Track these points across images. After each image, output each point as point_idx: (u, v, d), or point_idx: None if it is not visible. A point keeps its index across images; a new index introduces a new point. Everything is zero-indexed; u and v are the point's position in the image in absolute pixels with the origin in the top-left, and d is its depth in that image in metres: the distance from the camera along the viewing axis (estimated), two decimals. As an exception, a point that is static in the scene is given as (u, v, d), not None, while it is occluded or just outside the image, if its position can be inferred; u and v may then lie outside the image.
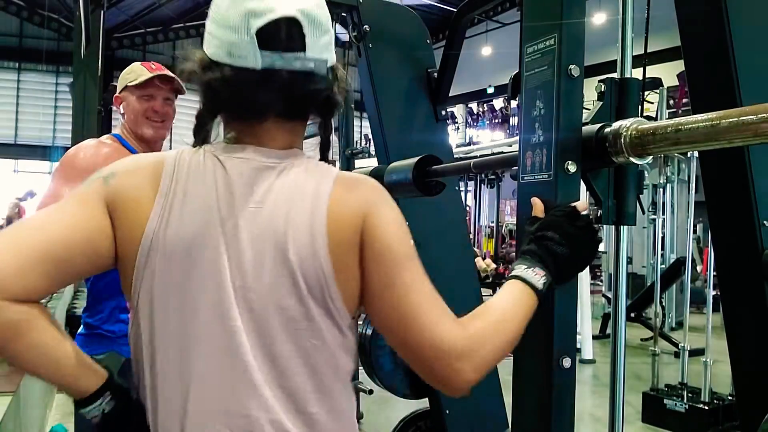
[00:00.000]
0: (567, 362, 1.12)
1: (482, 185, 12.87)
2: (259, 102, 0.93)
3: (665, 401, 4.49)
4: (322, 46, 0.95)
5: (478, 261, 10.01)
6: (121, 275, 0.93)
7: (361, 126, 19.23)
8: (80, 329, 1.91)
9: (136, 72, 1.98)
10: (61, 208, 0.92)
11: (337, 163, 3.40)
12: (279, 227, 0.89)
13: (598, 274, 11.64)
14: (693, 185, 5.34)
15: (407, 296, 0.92)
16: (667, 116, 6.85)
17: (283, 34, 0.89)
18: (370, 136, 2.96)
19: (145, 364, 0.96)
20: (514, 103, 15.94)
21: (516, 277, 0.99)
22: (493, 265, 11.27)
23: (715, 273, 1.97)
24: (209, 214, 0.90)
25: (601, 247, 10.33)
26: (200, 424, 0.90)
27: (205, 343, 0.89)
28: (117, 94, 2.00)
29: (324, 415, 0.93)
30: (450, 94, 2.90)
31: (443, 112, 2.89)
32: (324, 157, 1.08)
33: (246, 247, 0.89)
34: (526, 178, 1.19)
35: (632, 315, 7.34)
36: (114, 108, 2.02)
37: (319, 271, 0.88)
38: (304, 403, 0.92)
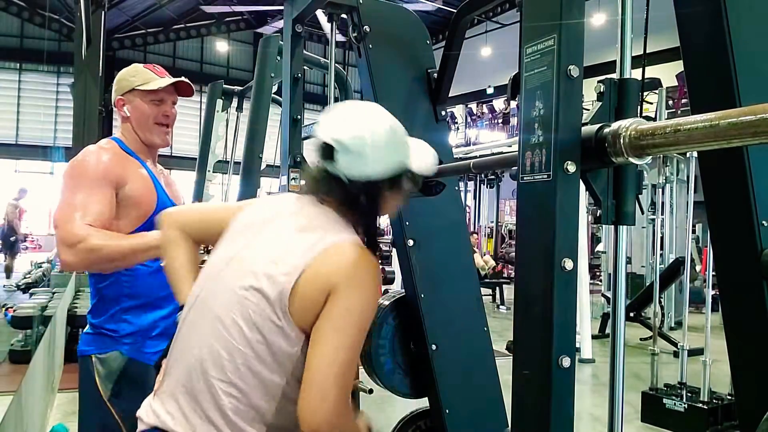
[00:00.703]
0: (566, 362, 1.12)
1: (482, 185, 12.87)
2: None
3: (664, 401, 4.49)
4: (349, 162, 1.29)
5: (477, 258, 10.02)
6: None
7: (361, 126, 19.19)
8: (86, 328, 1.93)
9: (143, 75, 1.93)
10: (218, 205, 1.80)
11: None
12: None
13: (598, 273, 11.65)
14: (692, 185, 5.34)
15: (314, 358, 1.16)
16: (666, 116, 6.86)
17: (323, 151, 1.31)
18: (370, 137, 2.96)
19: None
20: (513, 104, 15.94)
21: None
22: (492, 262, 11.29)
23: (714, 273, 1.97)
24: None
25: (600, 247, 10.34)
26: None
27: None
28: (120, 95, 1.93)
29: None
30: (450, 95, 2.90)
31: (443, 113, 2.89)
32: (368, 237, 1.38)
33: None
34: (525, 178, 1.19)
35: (631, 315, 7.34)
36: (119, 110, 1.96)
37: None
38: None
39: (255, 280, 1.22)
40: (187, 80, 1.96)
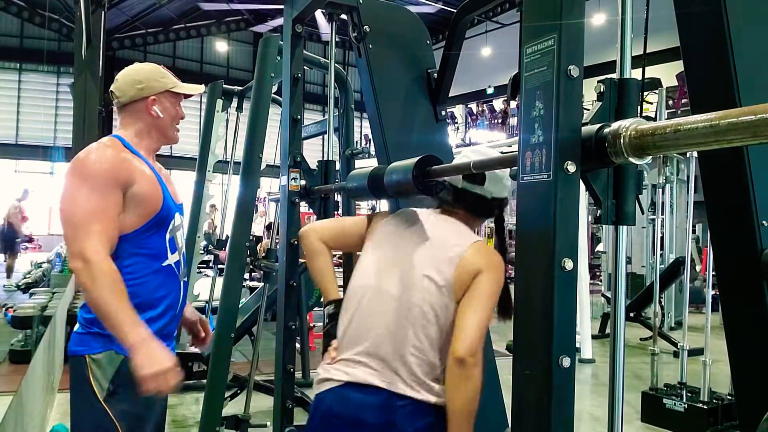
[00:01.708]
0: (566, 362, 1.12)
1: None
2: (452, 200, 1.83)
3: (664, 401, 4.49)
4: (493, 186, 1.79)
5: None
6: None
7: (361, 126, 19.25)
8: (76, 327, 1.88)
9: (170, 78, 2.00)
10: (348, 220, 2.03)
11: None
12: None
13: (598, 273, 11.65)
14: (692, 185, 5.34)
15: (467, 318, 1.60)
16: (666, 116, 6.86)
17: (477, 177, 1.75)
18: (370, 136, 2.97)
19: None
20: (513, 104, 15.93)
21: None
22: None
23: (714, 273, 1.97)
24: None
25: (600, 247, 10.34)
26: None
27: None
28: (152, 95, 1.94)
29: None
30: (450, 95, 2.90)
31: (443, 113, 2.89)
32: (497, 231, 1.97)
33: None
34: (525, 178, 1.19)
35: (631, 315, 7.34)
36: (143, 109, 1.95)
37: None
38: None
39: (427, 272, 1.66)
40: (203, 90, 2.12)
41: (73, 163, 1.83)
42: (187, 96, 2.06)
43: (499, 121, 18.96)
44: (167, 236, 1.91)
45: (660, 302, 6.20)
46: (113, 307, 1.67)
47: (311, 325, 6.02)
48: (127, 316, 1.68)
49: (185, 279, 2.03)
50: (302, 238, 1.90)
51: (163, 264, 1.90)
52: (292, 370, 2.92)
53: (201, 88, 2.08)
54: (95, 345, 1.79)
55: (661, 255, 8.21)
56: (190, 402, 4.72)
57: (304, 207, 3.25)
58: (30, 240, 16.10)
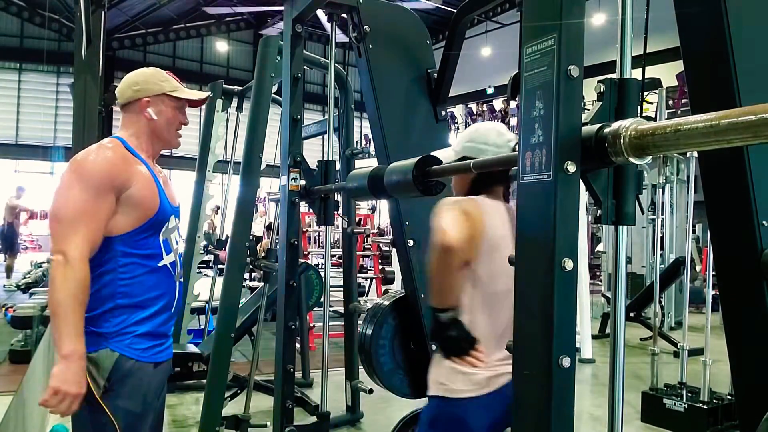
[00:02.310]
0: (566, 362, 1.12)
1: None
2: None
3: (664, 401, 4.49)
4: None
5: None
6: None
7: (361, 126, 19.25)
8: None
9: (171, 82, 1.98)
10: (464, 221, 1.82)
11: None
12: None
13: (598, 274, 11.64)
14: (692, 185, 5.34)
15: None
16: (666, 116, 6.86)
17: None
18: (370, 136, 2.97)
19: None
20: (513, 104, 15.94)
21: None
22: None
23: (714, 273, 1.97)
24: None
25: (601, 247, 10.31)
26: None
27: None
28: (147, 97, 1.94)
29: None
30: (450, 95, 2.90)
31: (443, 113, 2.89)
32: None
33: None
34: (525, 178, 1.19)
35: (631, 315, 7.34)
36: (138, 110, 1.95)
37: None
38: None
39: None
40: (203, 97, 2.08)
41: (71, 163, 1.84)
42: (193, 104, 2.05)
43: (500, 121, 18.94)
44: (161, 238, 1.91)
45: (660, 302, 6.20)
46: (66, 313, 1.68)
47: (311, 325, 6.02)
48: (73, 327, 1.68)
49: (181, 280, 2.05)
50: (449, 250, 1.74)
51: (159, 264, 1.90)
52: (292, 370, 2.93)
53: (203, 94, 2.07)
54: (90, 343, 1.78)
55: (661, 255, 8.20)
56: (190, 402, 4.72)
57: (304, 207, 3.25)
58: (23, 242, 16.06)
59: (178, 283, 1.99)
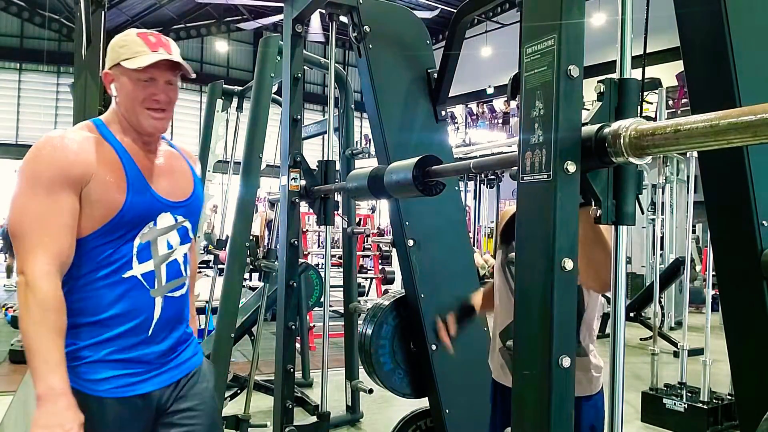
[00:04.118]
0: (566, 362, 1.12)
1: (482, 185, 12.87)
2: None
3: (664, 400, 4.49)
4: None
5: (476, 257, 10.02)
6: None
7: (361, 126, 19.24)
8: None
9: (131, 47, 1.55)
10: None
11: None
12: None
13: (598, 274, 11.62)
14: (692, 185, 5.34)
15: None
16: (666, 116, 6.86)
17: None
18: (370, 136, 2.97)
19: None
20: (513, 104, 15.93)
21: None
22: (492, 261, 11.27)
23: (714, 273, 1.97)
24: None
25: (601, 247, 10.26)
26: None
27: None
28: (108, 69, 1.58)
29: None
30: (450, 95, 2.90)
31: (443, 113, 2.89)
32: None
33: None
34: (525, 178, 1.19)
35: (631, 315, 7.34)
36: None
37: None
38: None
39: None
40: (175, 57, 1.58)
41: (24, 157, 1.53)
42: (184, 78, 1.64)
43: (500, 121, 18.94)
44: (137, 242, 1.54)
45: (660, 302, 6.20)
46: (36, 344, 1.40)
47: (311, 325, 6.02)
48: (43, 361, 1.39)
49: (173, 294, 1.63)
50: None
51: (124, 276, 1.53)
52: (292, 370, 2.92)
53: (151, 57, 1.54)
54: None
55: (661, 255, 8.21)
56: (190, 402, 4.71)
57: (303, 207, 3.25)
58: None
59: (162, 299, 1.59)
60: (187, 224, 1.68)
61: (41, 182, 1.45)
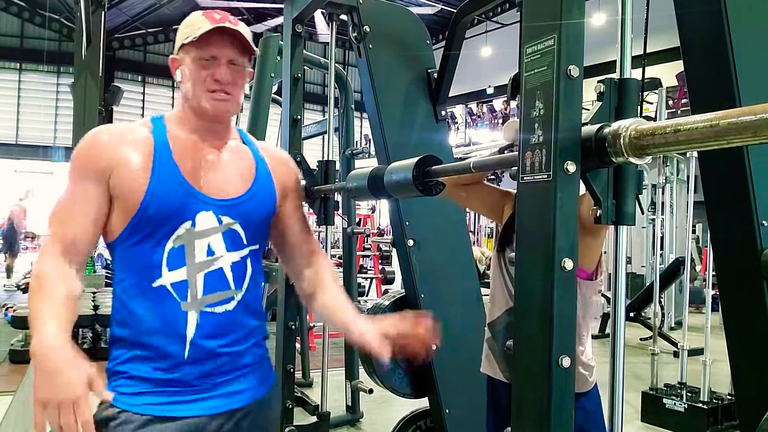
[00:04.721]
0: (566, 362, 1.12)
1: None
2: None
3: (664, 400, 4.49)
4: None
5: (474, 250, 10.02)
6: None
7: (361, 126, 19.24)
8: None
9: (194, 25, 1.41)
10: None
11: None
12: None
13: (598, 274, 11.63)
14: (692, 185, 5.34)
15: None
16: (666, 116, 6.86)
17: None
18: (370, 136, 2.97)
19: None
20: (513, 104, 15.94)
21: None
22: (488, 253, 11.28)
23: (714, 273, 1.97)
24: None
25: (601, 247, 10.16)
26: None
27: None
28: (174, 54, 1.46)
29: None
30: (450, 95, 2.90)
31: (443, 113, 2.89)
32: None
33: None
34: (525, 178, 1.19)
35: (631, 314, 7.35)
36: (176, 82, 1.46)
37: None
38: None
39: None
40: (235, 24, 1.43)
41: None
42: (214, 44, 1.40)
43: (500, 121, 18.94)
44: (169, 245, 1.35)
45: (660, 302, 6.20)
46: (32, 311, 1.29)
47: (311, 325, 6.02)
48: (38, 318, 1.26)
49: (214, 309, 1.37)
50: None
51: (153, 285, 1.34)
52: (292, 370, 2.93)
53: (213, 25, 1.39)
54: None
55: (661, 255, 8.21)
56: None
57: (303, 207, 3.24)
58: (33, 238, 16.11)
59: (197, 314, 1.35)
60: (238, 228, 1.42)
61: (71, 174, 1.39)
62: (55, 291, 1.29)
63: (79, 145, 1.41)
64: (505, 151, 1.96)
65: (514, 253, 1.81)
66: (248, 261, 1.45)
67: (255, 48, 1.47)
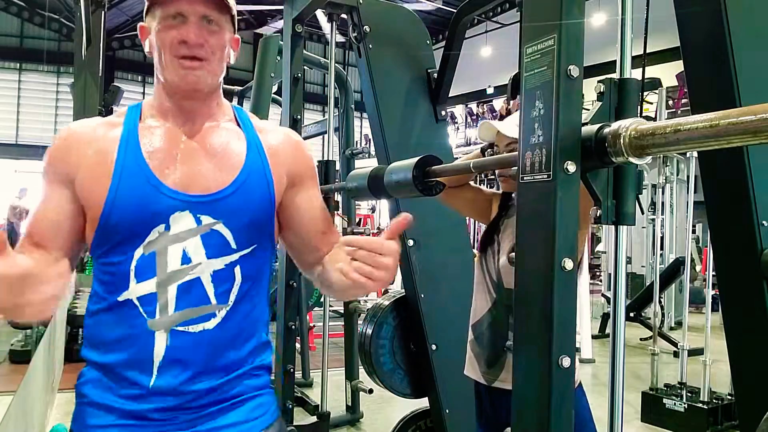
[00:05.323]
0: (566, 362, 1.12)
1: (482, 185, 12.93)
2: None
3: (664, 401, 4.49)
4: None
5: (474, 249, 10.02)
6: None
7: (361, 126, 19.24)
8: None
9: None
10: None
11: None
12: None
13: (598, 274, 11.64)
14: (692, 185, 5.34)
15: None
16: (666, 116, 6.86)
17: None
18: (370, 136, 2.97)
19: None
20: (514, 104, 15.91)
21: None
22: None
23: (714, 273, 1.97)
24: None
25: (601, 247, 10.35)
26: None
27: None
28: (142, 23, 1.22)
29: None
30: (450, 95, 2.90)
31: (443, 113, 2.89)
32: None
33: None
34: (525, 178, 1.19)
35: (631, 315, 7.35)
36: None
37: None
38: None
39: None
40: None
41: None
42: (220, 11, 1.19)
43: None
44: (138, 252, 1.14)
45: (660, 302, 6.20)
46: None
47: (311, 325, 6.02)
48: None
49: (189, 328, 1.14)
50: None
51: (119, 299, 1.13)
52: (292, 370, 2.93)
53: None
54: None
55: (661, 255, 8.21)
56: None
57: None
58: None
59: (167, 335, 1.13)
60: (222, 229, 1.17)
61: (43, 176, 1.21)
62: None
63: (52, 143, 1.23)
64: (487, 151, 1.96)
65: (501, 254, 1.83)
66: (237, 269, 1.18)
67: (232, 5, 1.24)
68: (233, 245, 1.18)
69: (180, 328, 1.13)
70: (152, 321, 1.13)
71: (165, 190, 1.15)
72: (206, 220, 1.16)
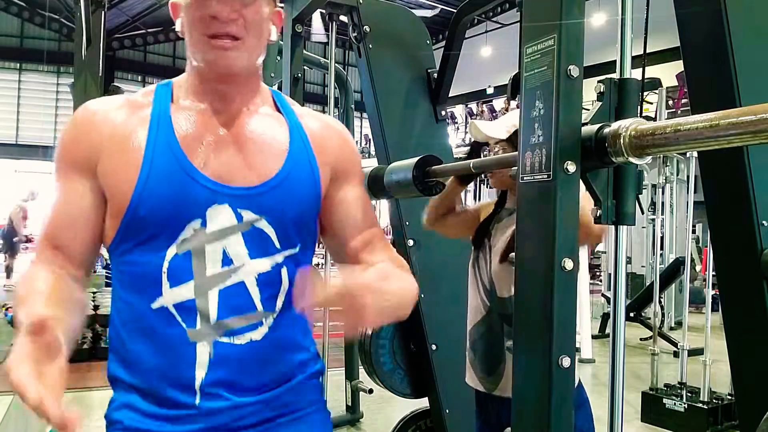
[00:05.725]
0: (566, 362, 1.12)
1: (482, 185, 12.88)
2: None
3: (664, 401, 4.49)
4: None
5: None
6: None
7: (361, 126, 19.26)
8: None
9: None
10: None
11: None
12: None
13: (598, 274, 11.64)
14: (692, 185, 5.34)
15: None
16: (666, 116, 6.86)
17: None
18: (370, 136, 2.97)
19: None
20: (513, 104, 15.92)
21: None
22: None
23: (714, 273, 1.97)
24: None
25: (601, 247, 10.32)
26: None
27: None
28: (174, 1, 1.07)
29: None
30: (450, 95, 2.90)
31: (443, 113, 2.89)
32: None
33: None
34: (525, 178, 1.19)
35: (631, 314, 7.34)
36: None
37: None
38: None
39: None
40: None
41: None
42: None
43: (499, 121, 18.93)
44: (171, 252, 1.00)
45: (660, 302, 6.20)
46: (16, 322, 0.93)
47: (311, 325, 6.01)
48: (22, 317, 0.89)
49: (235, 339, 1.02)
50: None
51: (152, 306, 1.00)
52: (292, 370, 2.92)
53: None
54: None
55: (661, 255, 8.21)
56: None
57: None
58: (29, 240, 16.11)
59: (210, 346, 1.00)
60: (265, 226, 1.04)
61: (56, 166, 1.07)
62: (26, 295, 0.96)
63: (64, 127, 1.09)
64: (480, 149, 1.94)
65: (493, 256, 1.82)
66: (284, 271, 1.06)
67: None
68: (277, 245, 1.05)
69: (224, 339, 1.00)
70: (193, 331, 0.99)
71: (202, 180, 1.01)
72: (247, 215, 1.03)
